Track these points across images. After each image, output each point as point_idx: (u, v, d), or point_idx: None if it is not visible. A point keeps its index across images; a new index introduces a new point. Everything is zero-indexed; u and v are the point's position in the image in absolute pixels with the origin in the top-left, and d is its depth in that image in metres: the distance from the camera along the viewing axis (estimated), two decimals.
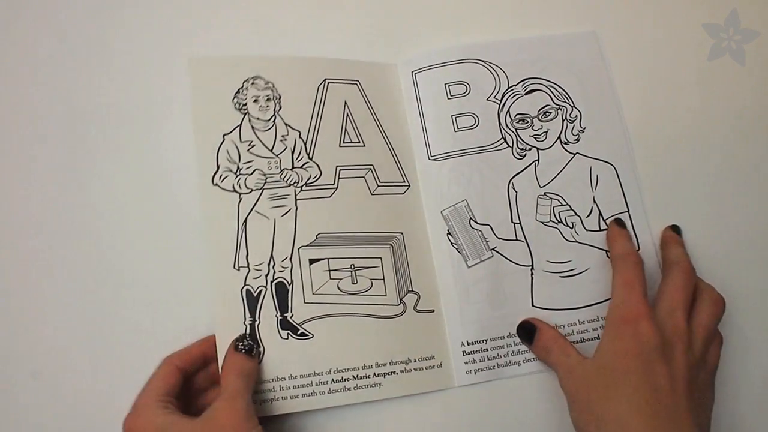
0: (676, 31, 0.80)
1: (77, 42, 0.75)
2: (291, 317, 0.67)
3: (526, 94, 0.74)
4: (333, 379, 0.66)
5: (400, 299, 0.69)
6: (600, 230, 0.72)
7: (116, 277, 0.70)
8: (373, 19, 0.79)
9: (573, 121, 0.74)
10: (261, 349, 0.66)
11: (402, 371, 0.68)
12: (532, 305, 0.70)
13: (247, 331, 0.66)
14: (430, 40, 0.77)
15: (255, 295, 0.67)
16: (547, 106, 0.74)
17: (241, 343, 0.64)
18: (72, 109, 0.73)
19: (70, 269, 0.70)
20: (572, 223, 0.71)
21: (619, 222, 0.71)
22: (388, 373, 0.68)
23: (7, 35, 0.75)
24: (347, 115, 0.72)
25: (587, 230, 0.71)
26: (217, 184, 0.69)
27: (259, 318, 0.67)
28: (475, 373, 0.69)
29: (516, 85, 0.74)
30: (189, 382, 0.64)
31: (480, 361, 0.69)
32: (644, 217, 0.72)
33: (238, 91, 0.71)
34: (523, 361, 0.69)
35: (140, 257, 0.70)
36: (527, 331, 0.69)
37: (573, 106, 0.74)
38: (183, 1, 0.77)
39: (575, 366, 0.64)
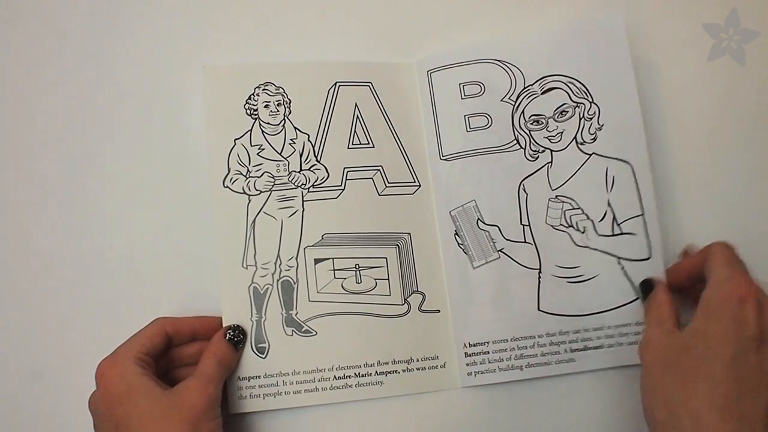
0: (676, 31, 0.80)
1: (91, 49, 0.76)
2: (296, 315, 0.68)
3: (542, 93, 0.73)
4: (335, 376, 0.68)
5: (405, 299, 0.70)
6: (613, 235, 0.71)
7: (121, 276, 0.70)
8: (389, 20, 0.78)
9: (591, 118, 0.72)
10: (248, 343, 0.68)
11: (404, 370, 0.68)
12: (538, 309, 0.70)
13: (254, 328, 0.68)
14: (447, 39, 0.77)
15: (261, 292, 0.68)
16: (564, 105, 0.72)
17: (231, 332, 0.66)
18: (86, 113, 0.74)
19: (73, 269, 0.70)
20: (583, 227, 0.71)
21: None
22: (390, 372, 0.68)
23: (26, 45, 0.76)
24: (357, 117, 0.72)
25: (599, 235, 0.71)
26: (227, 186, 0.69)
27: (265, 315, 0.68)
28: (475, 375, 0.69)
29: (533, 84, 0.73)
30: (170, 351, 0.66)
31: (481, 363, 0.69)
32: (656, 220, 0.71)
33: (249, 97, 0.71)
34: (526, 366, 0.69)
35: (147, 257, 0.71)
36: (645, 287, 0.67)
37: (592, 102, 0.72)
38: (195, 9, 0.77)
39: (660, 337, 0.60)
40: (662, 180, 0.74)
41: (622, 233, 0.71)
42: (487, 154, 0.72)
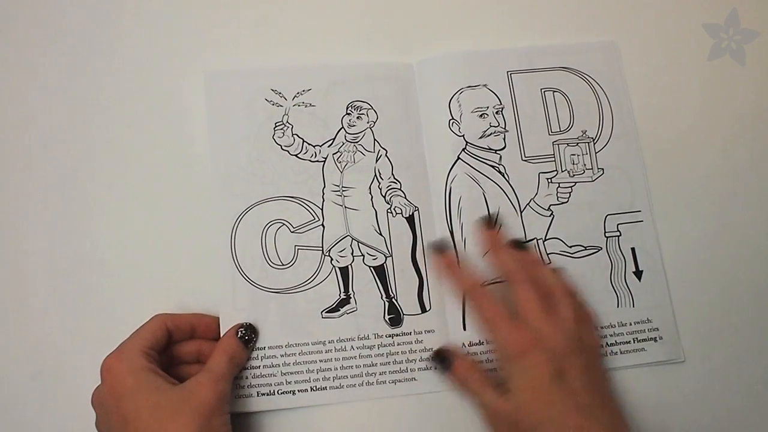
0: (676, 31, 0.80)
1: (92, 52, 0.77)
2: None
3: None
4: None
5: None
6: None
7: (120, 277, 0.71)
8: (390, 22, 0.79)
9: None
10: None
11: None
12: None
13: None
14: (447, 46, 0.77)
15: None
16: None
17: (243, 330, 0.66)
18: (87, 115, 0.75)
19: (73, 269, 0.71)
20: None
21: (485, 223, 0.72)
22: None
23: (26, 48, 0.77)
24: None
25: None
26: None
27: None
28: None
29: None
30: (169, 348, 0.66)
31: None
32: (651, 219, 0.72)
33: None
34: None
35: (147, 258, 0.71)
36: (442, 359, 0.67)
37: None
38: (195, 13, 0.79)
39: (496, 406, 0.62)
40: (660, 180, 0.74)
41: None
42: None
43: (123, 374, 0.59)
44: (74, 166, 0.73)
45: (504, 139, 0.73)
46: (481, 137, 0.73)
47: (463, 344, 0.69)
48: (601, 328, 0.69)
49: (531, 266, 0.67)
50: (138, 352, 0.60)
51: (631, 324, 0.70)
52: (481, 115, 0.74)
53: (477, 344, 0.69)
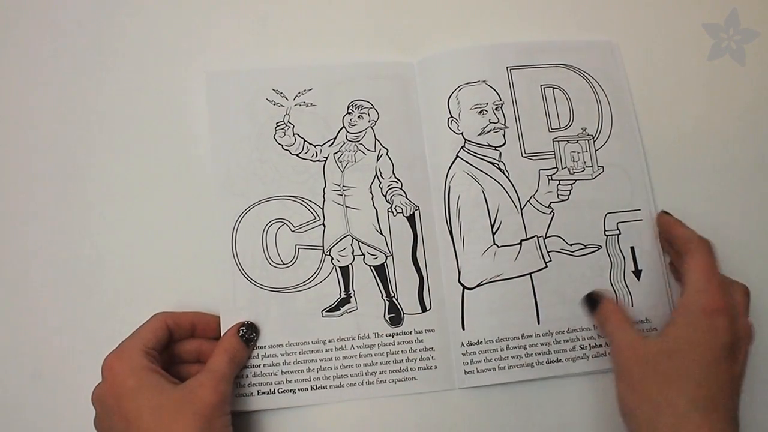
0: (676, 31, 0.80)
1: (92, 52, 0.78)
2: None
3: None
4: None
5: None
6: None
7: (120, 277, 0.71)
8: (391, 21, 0.80)
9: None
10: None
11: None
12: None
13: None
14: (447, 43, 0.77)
15: None
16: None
17: (244, 329, 0.66)
18: (87, 115, 0.75)
19: (73, 269, 0.71)
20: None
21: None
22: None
23: (27, 49, 0.77)
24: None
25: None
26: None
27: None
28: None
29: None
30: (170, 347, 0.66)
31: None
32: (650, 218, 0.72)
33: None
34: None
35: (147, 258, 0.72)
36: (592, 301, 0.68)
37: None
38: (196, 13, 0.79)
39: (634, 342, 0.62)
40: (661, 181, 0.74)
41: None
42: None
43: (124, 374, 0.59)
44: (75, 165, 0.73)
45: (504, 135, 0.73)
46: (480, 134, 0.73)
47: (462, 344, 0.69)
48: None
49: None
50: (139, 351, 0.60)
51: None
52: (480, 112, 0.74)
53: (475, 344, 0.69)
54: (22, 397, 0.68)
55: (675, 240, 0.68)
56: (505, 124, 0.74)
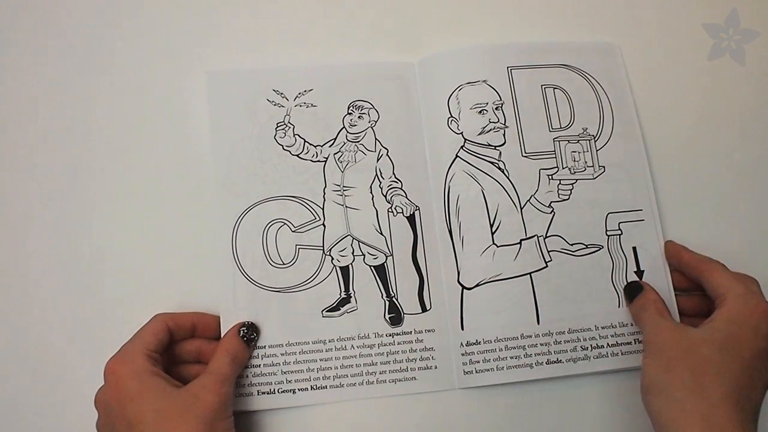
0: (676, 31, 0.80)
1: (93, 52, 0.78)
2: None
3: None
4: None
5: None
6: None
7: (120, 277, 0.71)
8: (391, 21, 0.80)
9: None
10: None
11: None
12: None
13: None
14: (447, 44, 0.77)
15: None
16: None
17: (244, 329, 0.66)
18: (88, 115, 0.76)
19: (73, 269, 0.71)
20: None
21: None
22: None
23: (27, 49, 0.78)
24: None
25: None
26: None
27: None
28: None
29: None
30: (171, 348, 0.66)
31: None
32: (652, 218, 0.72)
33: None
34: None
35: (147, 257, 0.72)
36: (632, 290, 0.69)
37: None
38: (196, 13, 0.79)
39: (675, 327, 0.62)
40: (660, 180, 0.74)
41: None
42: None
43: (126, 378, 0.59)
44: (76, 166, 0.73)
45: (504, 135, 0.73)
46: (480, 134, 0.73)
47: (461, 344, 0.69)
48: (602, 328, 0.69)
49: None
50: (141, 354, 0.60)
51: (631, 324, 0.69)
52: (480, 112, 0.74)
53: (474, 344, 0.68)
54: (22, 397, 0.68)
55: (686, 265, 0.69)
56: (505, 124, 0.74)
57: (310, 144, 0.73)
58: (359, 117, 0.73)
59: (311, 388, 0.67)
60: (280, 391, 0.67)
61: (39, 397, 0.68)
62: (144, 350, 0.61)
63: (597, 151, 0.74)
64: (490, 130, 0.73)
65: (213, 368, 0.62)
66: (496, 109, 0.74)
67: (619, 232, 0.71)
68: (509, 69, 0.75)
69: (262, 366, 0.67)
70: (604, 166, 0.73)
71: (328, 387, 0.67)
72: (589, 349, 0.69)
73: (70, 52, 0.77)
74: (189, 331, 0.66)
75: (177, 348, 0.66)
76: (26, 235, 0.71)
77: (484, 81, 0.75)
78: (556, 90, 0.75)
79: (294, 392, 0.67)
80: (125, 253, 0.71)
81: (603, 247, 0.71)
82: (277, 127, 0.73)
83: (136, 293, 0.70)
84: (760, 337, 0.60)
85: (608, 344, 0.69)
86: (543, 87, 0.75)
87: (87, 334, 0.69)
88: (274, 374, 0.67)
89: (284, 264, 0.70)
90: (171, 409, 0.58)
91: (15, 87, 0.76)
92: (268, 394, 0.67)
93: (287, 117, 0.73)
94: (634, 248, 0.71)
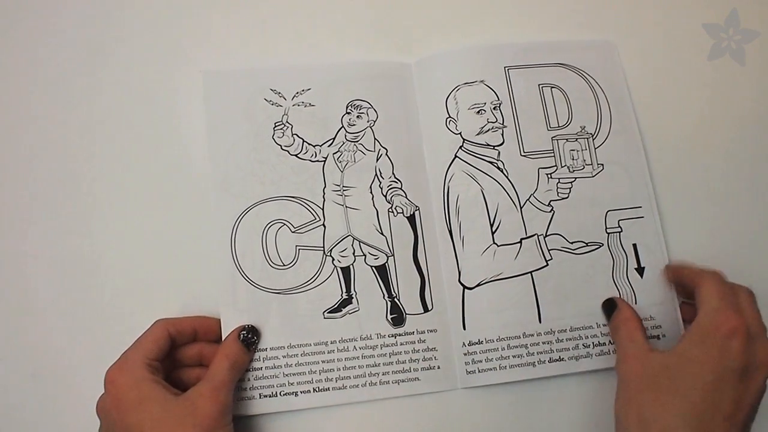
0: (675, 31, 0.80)
1: (89, 51, 0.77)
2: None
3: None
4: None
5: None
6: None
7: (121, 277, 0.71)
8: (389, 21, 0.80)
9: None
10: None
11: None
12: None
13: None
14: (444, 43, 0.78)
15: None
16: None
17: (245, 333, 0.66)
18: (85, 115, 0.75)
19: (73, 270, 0.71)
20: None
21: None
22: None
23: (24, 47, 0.77)
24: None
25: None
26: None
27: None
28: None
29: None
30: (173, 352, 0.65)
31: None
32: (652, 215, 0.72)
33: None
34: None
35: (147, 258, 0.71)
36: (608, 308, 0.68)
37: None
38: (193, 12, 0.79)
39: (639, 353, 0.61)
40: (660, 180, 0.74)
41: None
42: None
43: (125, 387, 0.59)
44: (73, 167, 0.73)
45: (502, 134, 0.73)
46: (478, 134, 0.73)
47: (463, 343, 0.68)
48: (604, 325, 0.69)
49: None
50: (140, 363, 0.60)
51: None
52: (478, 112, 0.74)
53: (476, 343, 0.68)
54: (22, 397, 0.68)
55: (685, 278, 0.67)
56: (503, 124, 0.74)
57: (309, 144, 0.72)
58: (358, 116, 0.73)
59: (313, 390, 0.67)
60: (282, 393, 0.66)
61: (39, 397, 0.68)
62: (143, 359, 0.61)
63: (595, 149, 0.73)
64: (489, 130, 0.73)
65: (211, 375, 0.62)
66: (494, 109, 0.74)
67: (619, 229, 0.71)
68: (506, 69, 0.75)
69: (263, 369, 0.67)
70: (602, 164, 0.73)
71: (330, 389, 0.67)
72: (591, 346, 0.69)
73: (65, 52, 0.77)
74: (190, 337, 0.66)
75: (179, 352, 0.66)
76: (25, 235, 0.71)
77: (482, 81, 0.75)
78: (553, 89, 0.75)
79: (296, 395, 0.66)
80: (123, 255, 0.71)
81: (603, 244, 0.71)
82: (275, 126, 0.72)
83: (135, 295, 0.70)
84: (726, 357, 0.57)
85: (609, 341, 0.69)
86: (540, 86, 0.75)
87: (87, 337, 0.69)
88: (276, 377, 0.67)
89: (284, 265, 0.69)
90: (169, 418, 0.57)
91: (11, 87, 0.76)
92: (270, 397, 0.66)
93: (285, 116, 0.73)
94: (635, 245, 0.71)
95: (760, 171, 0.76)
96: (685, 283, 0.67)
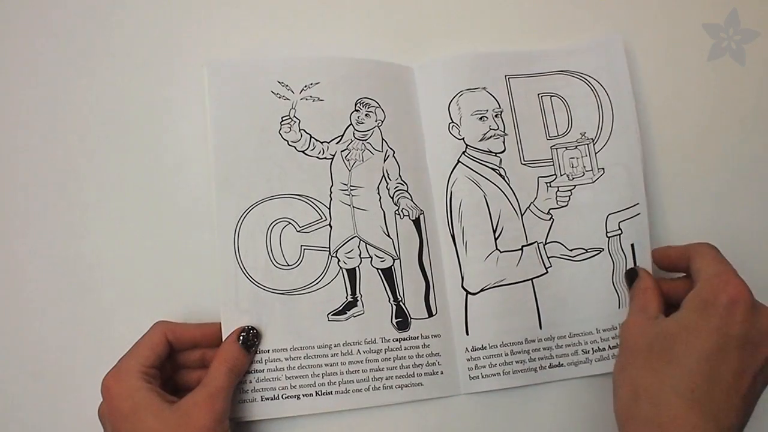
0: (675, 31, 0.79)
1: (88, 47, 0.75)
2: None
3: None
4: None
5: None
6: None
7: (121, 278, 0.70)
8: (393, 19, 0.78)
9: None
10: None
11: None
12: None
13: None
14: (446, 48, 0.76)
15: None
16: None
17: (244, 334, 0.65)
18: (85, 114, 0.73)
19: (73, 270, 0.70)
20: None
21: None
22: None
23: (21, 43, 0.75)
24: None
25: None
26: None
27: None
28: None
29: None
30: (174, 355, 0.65)
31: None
32: (647, 212, 0.72)
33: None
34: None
35: (147, 259, 0.70)
36: (630, 277, 0.68)
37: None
38: (200, 2, 0.76)
39: (640, 321, 0.61)
40: (660, 180, 0.75)
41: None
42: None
43: (120, 397, 0.58)
44: (73, 163, 0.72)
45: (504, 142, 0.73)
46: (481, 140, 0.72)
47: (466, 349, 0.69)
48: (603, 330, 0.70)
49: None
50: (135, 372, 0.59)
51: None
52: (480, 118, 0.73)
53: (479, 349, 0.69)
54: (22, 397, 0.67)
55: (675, 257, 0.66)
56: (504, 131, 0.73)
57: (317, 140, 0.70)
58: (366, 114, 0.71)
59: (316, 393, 0.66)
60: (284, 396, 0.66)
61: (39, 397, 0.67)
62: (139, 367, 0.60)
63: (596, 153, 0.73)
64: (491, 136, 0.73)
65: (208, 380, 0.61)
66: (496, 116, 0.73)
67: (620, 231, 0.72)
68: (507, 78, 0.74)
69: (265, 371, 0.66)
70: (603, 168, 0.73)
71: (333, 393, 0.66)
72: (591, 352, 0.69)
73: (65, 45, 0.74)
74: (189, 345, 0.65)
75: (180, 355, 0.65)
76: (25, 235, 0.70)
77: (484, 88, 0.74)
78: (553, 98, 0.75)
79: (298, 398, 0.66)
80: (124, 253, 0.70)
81: (603, 249, 0.71)
82: (282, 121, 0.70)
83: (136, 294, 0.69)
84: (727, 324, 0.54)
85: (609, 346, 0.69)
86: (540, 96, 0.74)
87: (88, 337, 0.68)
88: (278, 379, 0.66)
89: (289, 265, 0.68)
90: (163, 429, 0.57)
91: (8, 83, 0.73)
92: (271, 400, 0.65)
93: (293, 111, 0.70)
94: (632, 245, 0.71)
95: (760, 171, 0.76)
96: (675, 263, 0.66)
